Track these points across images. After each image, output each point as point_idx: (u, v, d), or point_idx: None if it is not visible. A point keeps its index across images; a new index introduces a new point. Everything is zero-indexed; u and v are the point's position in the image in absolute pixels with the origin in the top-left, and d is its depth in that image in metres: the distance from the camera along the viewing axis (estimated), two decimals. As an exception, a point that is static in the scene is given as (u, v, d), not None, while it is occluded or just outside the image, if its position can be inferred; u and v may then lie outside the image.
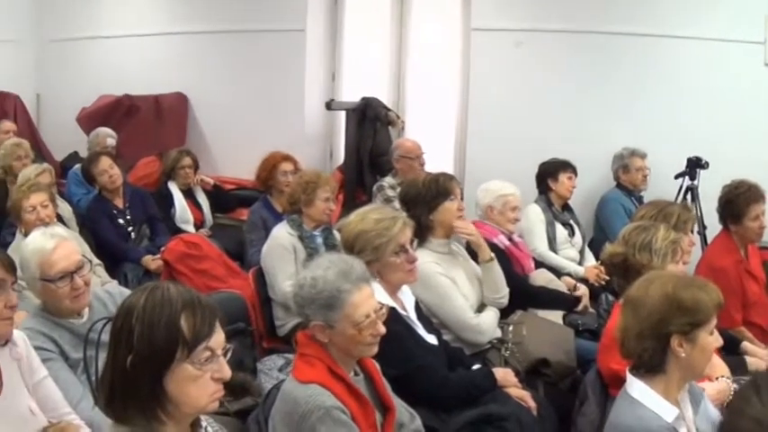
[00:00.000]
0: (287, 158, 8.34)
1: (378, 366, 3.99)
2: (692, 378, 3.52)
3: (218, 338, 2.66)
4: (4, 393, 3.50)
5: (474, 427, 4.39)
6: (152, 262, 7.69)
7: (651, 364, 3.38)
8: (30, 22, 12.53)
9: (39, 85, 12.67)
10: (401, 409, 4.03)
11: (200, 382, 2.61)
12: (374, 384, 3.92)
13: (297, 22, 10.08)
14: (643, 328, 3.36)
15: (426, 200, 5.63)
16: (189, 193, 9.12)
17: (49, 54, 12.49)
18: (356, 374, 3.85)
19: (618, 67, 8.84)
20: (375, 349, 3.80)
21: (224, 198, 9.75)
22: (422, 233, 5.47)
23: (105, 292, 4.61)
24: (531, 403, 4.73)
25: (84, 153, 10.38)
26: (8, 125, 10.48)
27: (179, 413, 2.65)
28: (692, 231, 5.53)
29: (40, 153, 10.39)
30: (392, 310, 4.18)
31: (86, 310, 4.35)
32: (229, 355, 2.72)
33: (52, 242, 4.24)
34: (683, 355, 3.31)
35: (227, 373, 2.67)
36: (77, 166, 9.52)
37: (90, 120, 10.81)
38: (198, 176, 9.34)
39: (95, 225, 7.92)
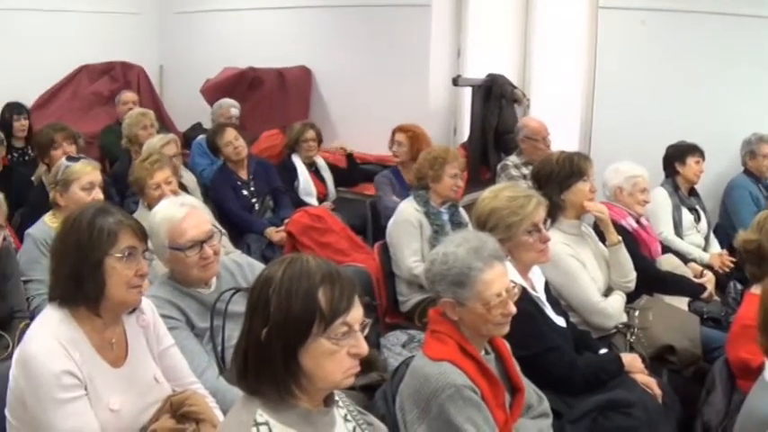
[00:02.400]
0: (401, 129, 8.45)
1: (508, 346, 3.94)
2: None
3: (356, 313, 2.65)
4: (129, 361, 3.50)
5: (600, 412, 4.30)
6: (275, 234, 7.71)
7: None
8: (153, -6, 12.68)
9: (162, 57, 12.88)
10: (529, 390, 3.98)
11: (335, 357, 2.61)
12: (504, 364, 3.88)
13: (423, -3, 10.00)
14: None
15: (559, 179, 5.55)
16: (312, 167, 9.12)
17: (172, 26, 12.68)
18: (487, 353, 3.81)
19: (748, 49, 8.57)
20: (506, 329, 3.74)
21: (354, 171, 9.75)
22: (553, 213, 5.36)
23: (234, 262, 4.63)
24: (657, 390, 4.62)
25: (207, 124, 10.49)
26: (129, 96, 10.60)
27: (313, 388, 2.64)
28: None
29: (164, 124, 10.49)
30: (523, 290, 4.11)
31: (214, 279, 4.39)
32: (367, 330, 2.70)
33: (182, 211, 4.26)
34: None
35: (364, 348, 2.66)
36: (201, 136, 9.61)
37: (214, 91, 10.87)
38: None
39: (219, 196, 7.98)
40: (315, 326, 2.56)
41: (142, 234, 3.46)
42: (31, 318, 4.92)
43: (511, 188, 4.89)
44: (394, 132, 8.46)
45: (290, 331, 2.56)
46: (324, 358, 2.59)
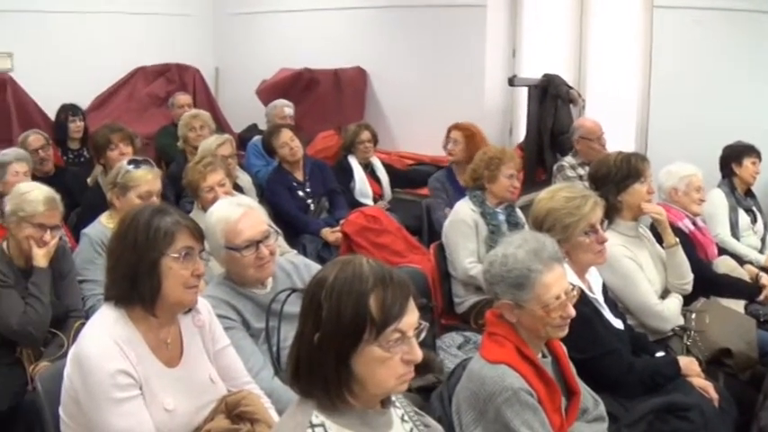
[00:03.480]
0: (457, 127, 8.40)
1: (565, 349, 3.90)
2: None
3: (410, 319, 2.60)
4: (184, 360, 3.51)
5: (656, 415, 4.24)
6: (331, 234, 7.71)
7: None
8: (209, -4, 12.76)
9: (217, 59, 12.97)
10: (585, 394, 3.94)
11: (388, 364, 2.57)
12: (561, 367, 3.85)
13: (477, -3, 9.96)
14: None
15: (616, 180, 5.48)
16: (368, 167, 9.10)
17: (227, 27, 12.74)
18: (544, 356, 3.77)
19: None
20: (564, 331, 3.70)
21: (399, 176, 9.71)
22: (610, 214, 5.33)
23: (290, 262, 4.61)
24: (714, 394, 4.56)
25: (262, 125, 10.53)
26: (183, 98, 10.67)
27: (366, 394, 2.61)
28: None
29: (219, 125, 10.51)
30: (580, 292, 4.07)
31: (270, 280, 4.37)
32: (423, 335, 2.65)
33: (239, 211, 4.25)
34: None
35: (417, 355, 2.61)
36: (257, 137, 9.68)
37: (270, 92, 10.90)
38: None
39: (275, 197, 7.97)
40: (366, 333, 2.52)
41: (199, 234, 3.47)
42: (86, 317, 4.97)
43: (568, 188, 4.85)
44: (450, 130, 8.44)
45: (340, 337, 2.53)
46: (376, 365, 2.56)
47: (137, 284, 3.30)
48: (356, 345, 2.53)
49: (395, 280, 2.61)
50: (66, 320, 5.13)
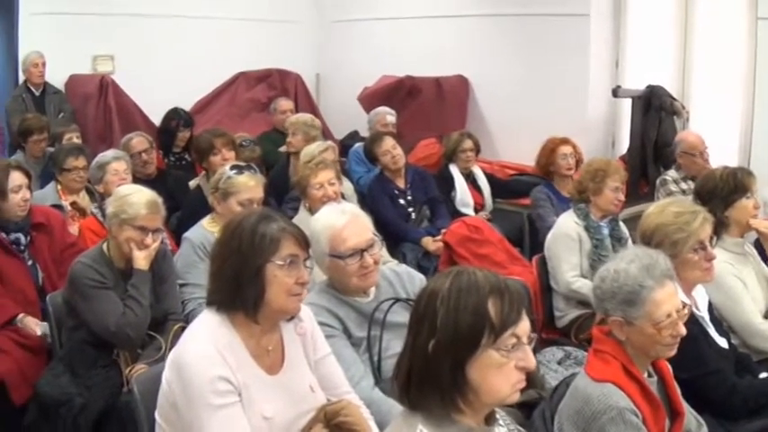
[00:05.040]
0: (565, 141, 8.13)
1: (671, 369, 3.79)
2: None
3: (525, 325, 2.57)
4: (285, 368, 3.48)
5: (760, 437, 4.14)
6: (432, 243, 7.68)
7: None
8: (311, 3, 12.97)
9: (319, 65, 13.08)
10: (689, 415, 3.84)
11: (504, 370, 2.53)
12: (666, 388, 3.74)
13: (581, 7, 9.85)
14: None
15: (723, 195, 5.38)
16: (470, 177, 9.05)
17: (329, 34, 12.86)
18: (650, 376, 3.67)
19: None
20: (674, 351, 3.60)
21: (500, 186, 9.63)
22: (717, 230, 5.17)
23: (392, 271, 4.56)
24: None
25: (363, 132, 10.53)
26: (285, 104, 10.83)
27: (479, 402, 2.57)
28: None
29: (321, 131, 10.57)
30: (689, 310, 3.97)
31: (373, 288, 4.32)
32: (533, 343, 2.61)
33: (344, 218, 4.22)
34: None
35: (531, 362, 2.58)
36: (358, 144, 9.67)
37: (372, 99, 10.92)
38: None
39: (376, 204, 7.94)
40: (484, 337, 2.50)
41: (304, 242, 3.44)
42: (185, 321, 5.04)
43: (677, 204, 4.76)
44: (558, 145, 8.26)
45: (458, 343, 2.50)
46: (492, 371, 2.52)
47: (240, 291, 3.29)
48: (474, 350, 2.50)
49: (510, 288, 2.59)
50: (164, 323, 5.13)
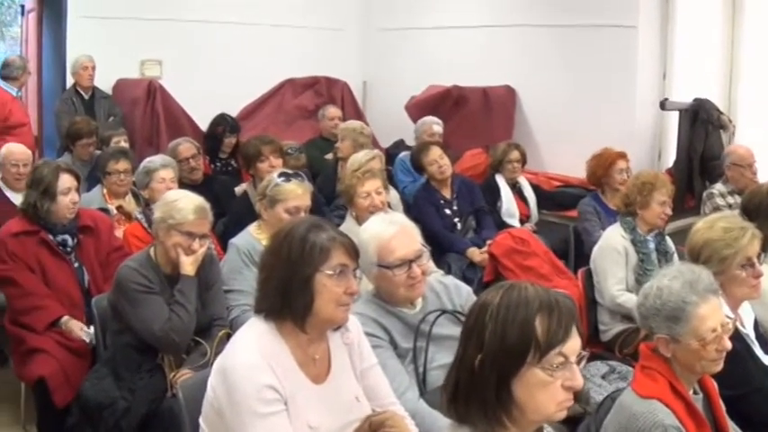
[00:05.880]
0: (622, 156, 8.09)
1: (716, 386, 3.77)
2: None
3: (574, 344, 2.53)
4: (331, 378, 3.47)
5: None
6: (478, 254, 7.62)
7: None
8: (358, 11, 12.94)
9: (366, 73, 13.06)
10: (733, 432, 3.82)
11: (549, 388, 2.49)
12: (711, 405, 3.72)
13: (628, 18, 9.80)
14: None
15: (769, 210, 5.34)
16: (515, 187, 9.04)
17: (376, 42, 12.84)
18: (695, 393, 3.65)
19: None
20: (719, 366, 3.58)
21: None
22: (763, 246, 5.14)
23: (439, 282, 4.54)
24: None
25: (409, 141, 10.53)
26: (333, 111, 10.86)
27: (524, 419, 2.54)
28: None
29: (370, 139, 10.58)
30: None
31: (420, 300, 4.30)
32: (584, 363, 2.58)
33: (392, 228, 4.20)
34: None
35: (579, 381, 2.53)
36: (404, 153, 9.70)
37: (419, 108, 10.90)
38: None
39: (422, 214, 7.86)
40: (529, 355, 2.47)
41: (354, 252, 3.43)
42: (230, 327, 5.04)
43: (726, 219, 4.72)
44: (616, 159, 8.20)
45: (503, 359, 2.48)
46: (537, 389, 2.49)
47: (289, 299, 3.28)
48: (519, 367, 2.48)
49: (560, 304, 2.56)
50: (210, 329, 5.13)
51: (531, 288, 2.58)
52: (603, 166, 7.98)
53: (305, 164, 8.82)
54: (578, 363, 2.56)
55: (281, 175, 5.81)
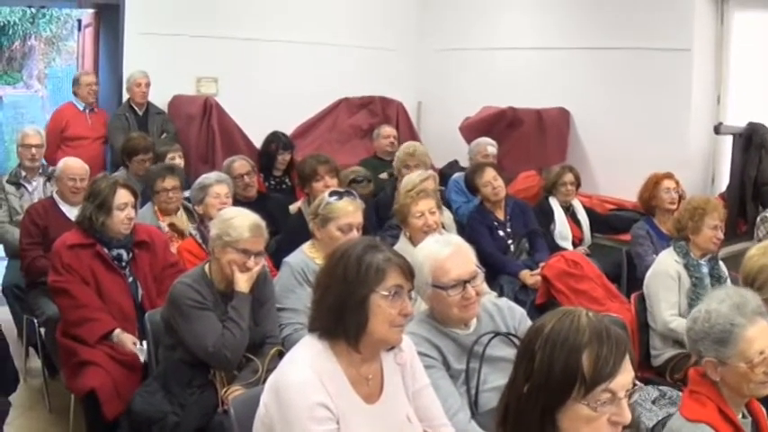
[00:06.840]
0: (669, 176, 8.05)
1: (764, 411, 3.76)
2: None
3: (623, 380, 2.48)
4: (383, 398, 3.48)
5: None
6: (530, 277, 7.60)
7: None
8: (413, 32, 12.92)
9: (420, 93, 13.02)
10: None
11: (594, 424, 2.47)
12: (759, 429, 3.70)
13: (683, 42, 9.75)
14: None
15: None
16: (569, 210, 9.01)
17: (431, 63, 12.81)
18: (744, 417, 3.64)
19: None
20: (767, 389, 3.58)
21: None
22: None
23: (493, 304, 4.52)
24: None
25: (463, 162, 10.53)
26: (389, 130, 10.81)
27: None
28: None
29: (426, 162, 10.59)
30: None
31: (473, 321, 4.29)
32: (635, 397, 2.55)
33: (447, 249, 4.20)
34: None
35: (627, 417, 2.49)
36: (458, 174, 9.64)
37: (473, 130, 10.89)
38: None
39: (475, 235, 7.86)
40: (574, 390, 2.44)
41: (410, 273, 3.43)
42: (282, 345, 5.03)
43: (780, 244, 4.68)
44: (662, 179, 8.17)
45: (549, 391, 2.46)
46: (581, 423, 2.47)
47: (343, 319, 3.29)
48: (563, 401, 2.45)
49: (612, 336, 2.51)
50: (262, 346, 5.14)
51: (585, 317, 2.55)
52: (649, 187, 7.95)
53: (372, 192, 8.83)
54: (628, 397, 2.51)
55: (332, 193, 5.82)
